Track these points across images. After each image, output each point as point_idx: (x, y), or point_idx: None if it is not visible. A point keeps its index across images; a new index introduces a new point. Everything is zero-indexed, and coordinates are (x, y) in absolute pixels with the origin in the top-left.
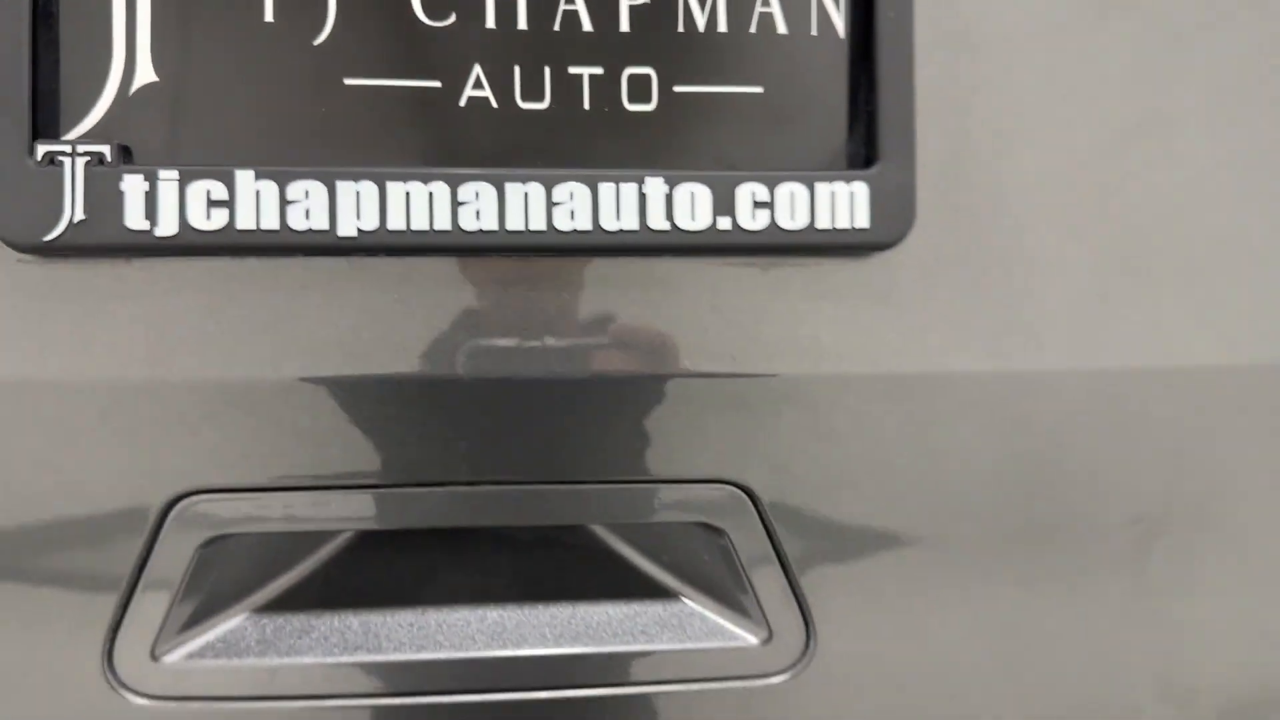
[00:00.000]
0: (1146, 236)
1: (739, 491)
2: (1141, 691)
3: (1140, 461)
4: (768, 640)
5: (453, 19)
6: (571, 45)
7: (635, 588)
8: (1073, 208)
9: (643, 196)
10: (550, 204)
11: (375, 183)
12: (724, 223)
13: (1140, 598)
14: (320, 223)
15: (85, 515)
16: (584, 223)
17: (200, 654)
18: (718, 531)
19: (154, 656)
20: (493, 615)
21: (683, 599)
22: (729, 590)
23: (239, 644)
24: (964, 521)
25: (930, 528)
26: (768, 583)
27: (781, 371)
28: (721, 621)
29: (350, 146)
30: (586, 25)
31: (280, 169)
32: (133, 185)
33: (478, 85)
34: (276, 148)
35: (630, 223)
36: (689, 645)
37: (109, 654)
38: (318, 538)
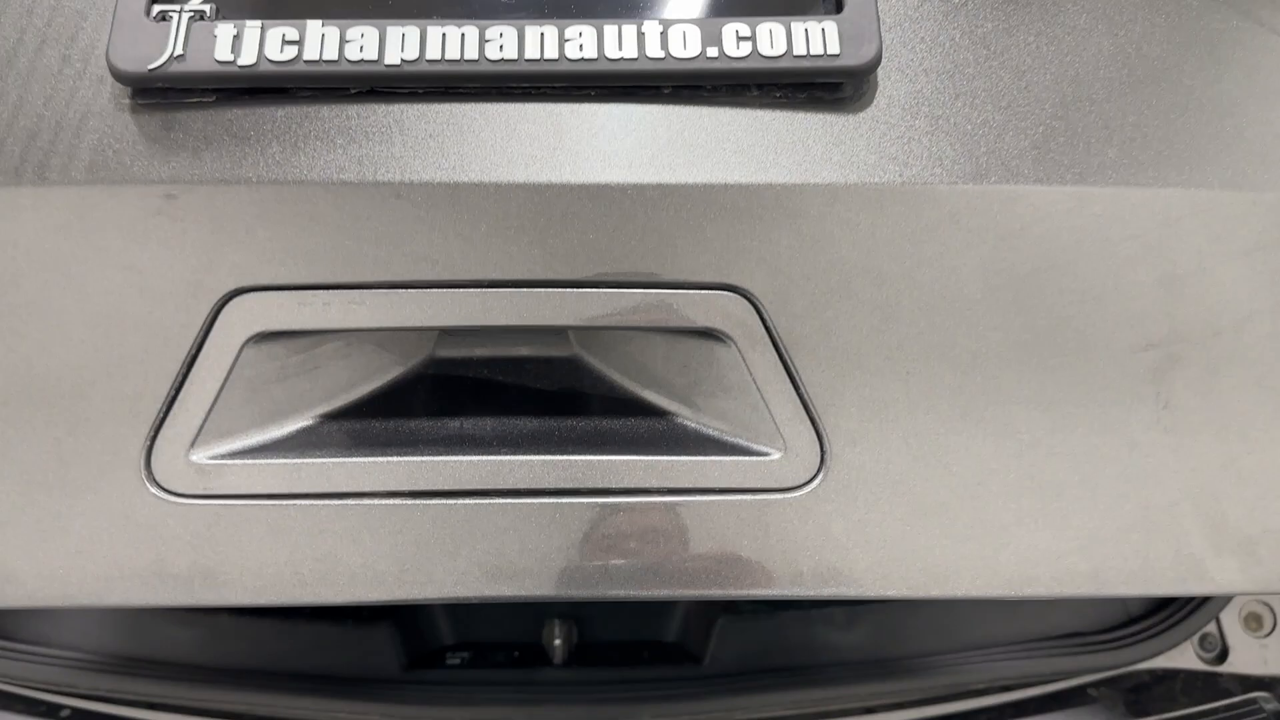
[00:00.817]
0: (1099, 70)
1: (741, 298)
2: (1195, 541)
3: (1135, 285)
4: (784, 455)
5: None
6: None
7: (663, 406)
8: (1028, 49)
9: (641, 34)
10: (562, 40)
11: (418, 26)
12: (712, 51)
13: (1172, 434)
14: (371, 54)
15: (147, 314)
16: (590, 52)
17: (229, 455)
18: (725, 341)
19: (187, 457)
20: (518, 425)
21: (703, 417)
22: (747, 406)
23: (266, 446)
24: (966, 335)
25: (931, 341)
26: (779, 396)
27: (773, 180)
28: (741, 440)
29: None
30: None
31: (343, 20)
32: (224, 30)
33: None
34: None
35: (630, 52)
36: (709, 458)
37: (149, 452)
38: (350, 351)
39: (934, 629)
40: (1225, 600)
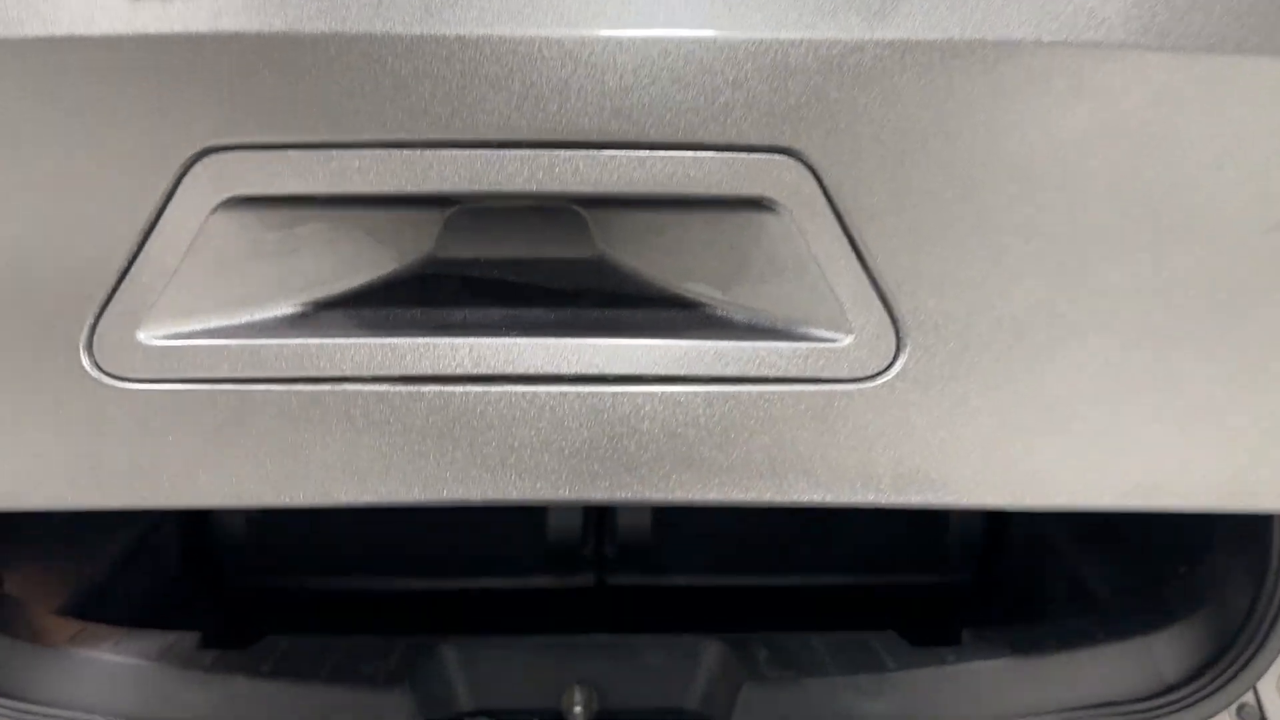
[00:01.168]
0: None
1: (796, 162)
2: None
3: (1256, 157)
4: (853, 339)
5: None
6: None
7: (706, 293)
8: None
9: None
10: None
11: None
12: None
13: None
14: None
15: (104, 173)
16: None
17: (184, 335)
18: (778, 212)
19: (134, 336)
20: (533, 312)
21: (756, 300)
22: (806, 287)
23: (227, 327)
24: (1064, 208)
25: (1024, 213)
26: (843, 274)
27: (833, 36)
28: (800, 326)
29: None
30: None
31: None
32: None
33: None
34: None
35: None
36: (763, 343)
37: (92, 330)
38: (336, 236)
39: (965, 699)
40: (1263, 668)
